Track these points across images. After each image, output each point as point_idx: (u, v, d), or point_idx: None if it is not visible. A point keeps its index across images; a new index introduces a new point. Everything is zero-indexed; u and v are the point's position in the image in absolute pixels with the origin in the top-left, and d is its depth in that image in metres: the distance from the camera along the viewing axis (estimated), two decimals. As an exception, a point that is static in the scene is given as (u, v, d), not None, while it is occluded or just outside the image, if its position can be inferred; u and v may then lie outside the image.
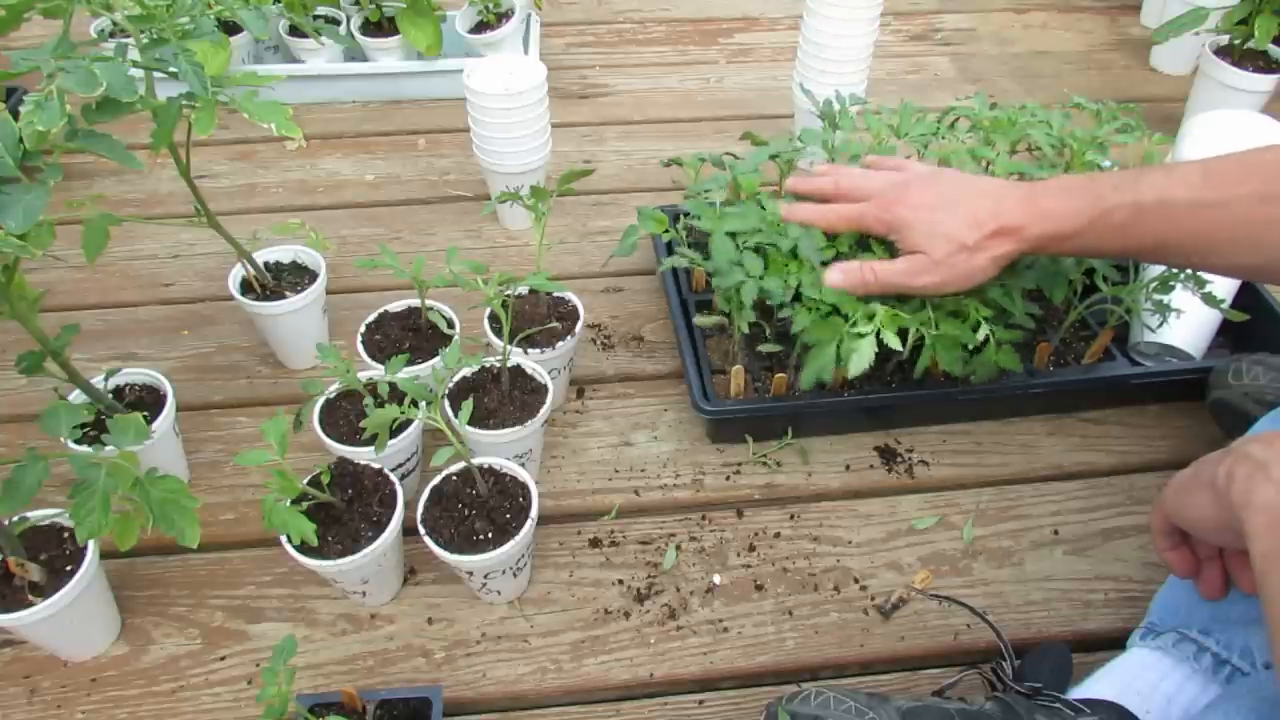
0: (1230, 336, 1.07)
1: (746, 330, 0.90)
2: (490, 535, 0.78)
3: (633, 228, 0.95)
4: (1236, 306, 0.99)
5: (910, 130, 1.02)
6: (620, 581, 0.88)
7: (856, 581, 0.88)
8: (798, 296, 0.87)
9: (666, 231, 0.95)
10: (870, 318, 0.84)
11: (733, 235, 0.89)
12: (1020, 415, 1.03)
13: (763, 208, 0.92)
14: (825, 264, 0.87)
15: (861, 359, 0.82)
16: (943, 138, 1.03)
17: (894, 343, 0.83)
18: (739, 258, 0.88)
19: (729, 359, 1.00)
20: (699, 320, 0.97)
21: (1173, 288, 0.92)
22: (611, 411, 1.04)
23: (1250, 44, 1.40)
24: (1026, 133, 1.02)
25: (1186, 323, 1.00)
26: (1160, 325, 0.98)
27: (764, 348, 0.93)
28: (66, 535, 0.77)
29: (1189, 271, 0.90)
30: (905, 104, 1.05)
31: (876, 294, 0.85)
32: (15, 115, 0.66)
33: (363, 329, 0.97)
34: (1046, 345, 0.99)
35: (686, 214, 0.95)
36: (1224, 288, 1.02)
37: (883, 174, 0.88)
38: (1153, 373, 1.00)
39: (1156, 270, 0.94)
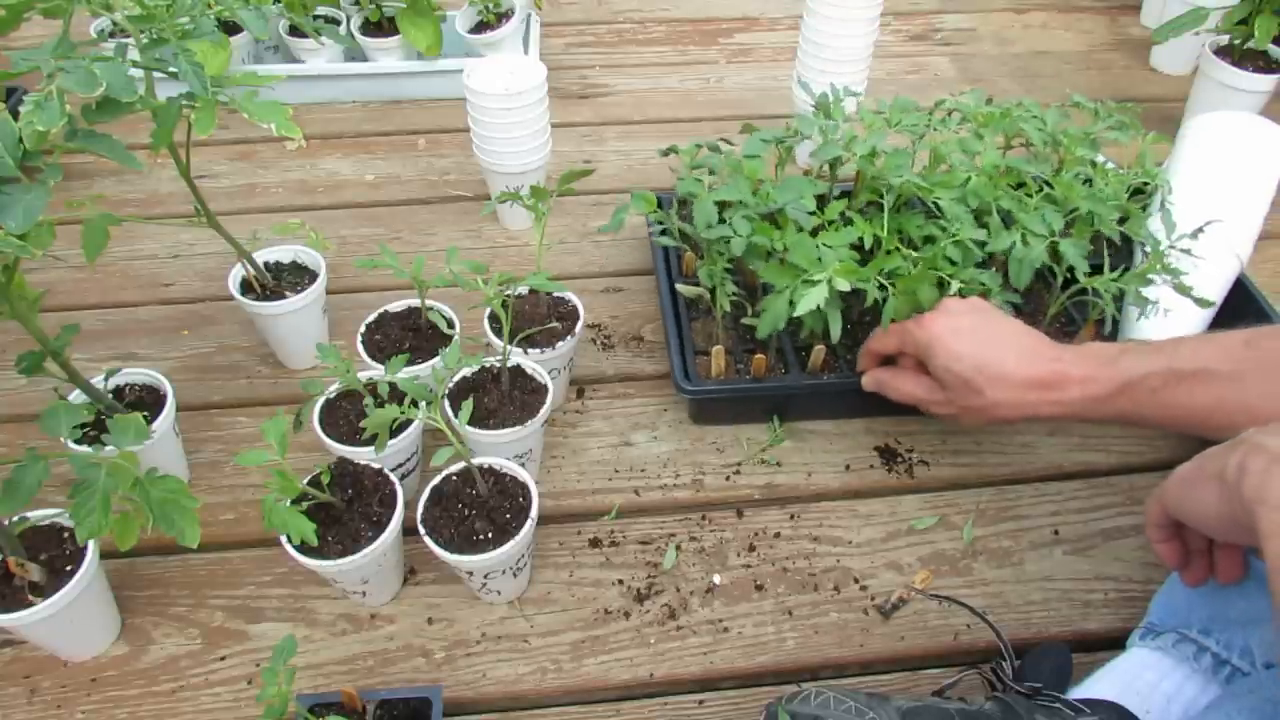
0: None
1: (728, 307, 0.91)
2: (490, 535, 0.78)
3: (623, 206, 0.96)
4: (1226, 305, 1.00)
5: (902, 122, 1.02)
6: (620, 581, 0.88)
7: (856, 581, 0.88)
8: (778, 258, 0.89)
9: (655, 213, 0.95)
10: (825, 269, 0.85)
11: (720, 205, 0.91)
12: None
13: (754, 193, 0.93)
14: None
15: (810, 300, 0.82)
16: (934, 129, 1.03)
17: (843, 286, 0.83)
18: (717, 220, 0.90)
19: (712, 341, 1.00)
20: (680, 287, 0.98)
21: (1151, 281, 0.92)
22: (611, 411, 1.04)
23: (1250, 44, 1.40)
24: (1019, 127, 1.02)
25: (1172, 321, 1.00)
26: (1139, 319, 0.99)
27: (747, 321, 0.95)
28: (66, 535, 0.77)
29: (1168, 263, 0.91)
30: (898, 98, 1.05)
31: (894, 399, 0.87)
32: (15, 115, 0.66)
33: (363, 329, 0.97)
34: None
35: (681, 201, 0.97)
36: (1216, 287, 1.02)
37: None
38: None
39: (1140, 265, 0.94)
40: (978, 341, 0.77)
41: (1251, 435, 0.54)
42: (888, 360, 0.92)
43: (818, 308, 0.85)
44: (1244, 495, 0.52)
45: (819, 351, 0.96)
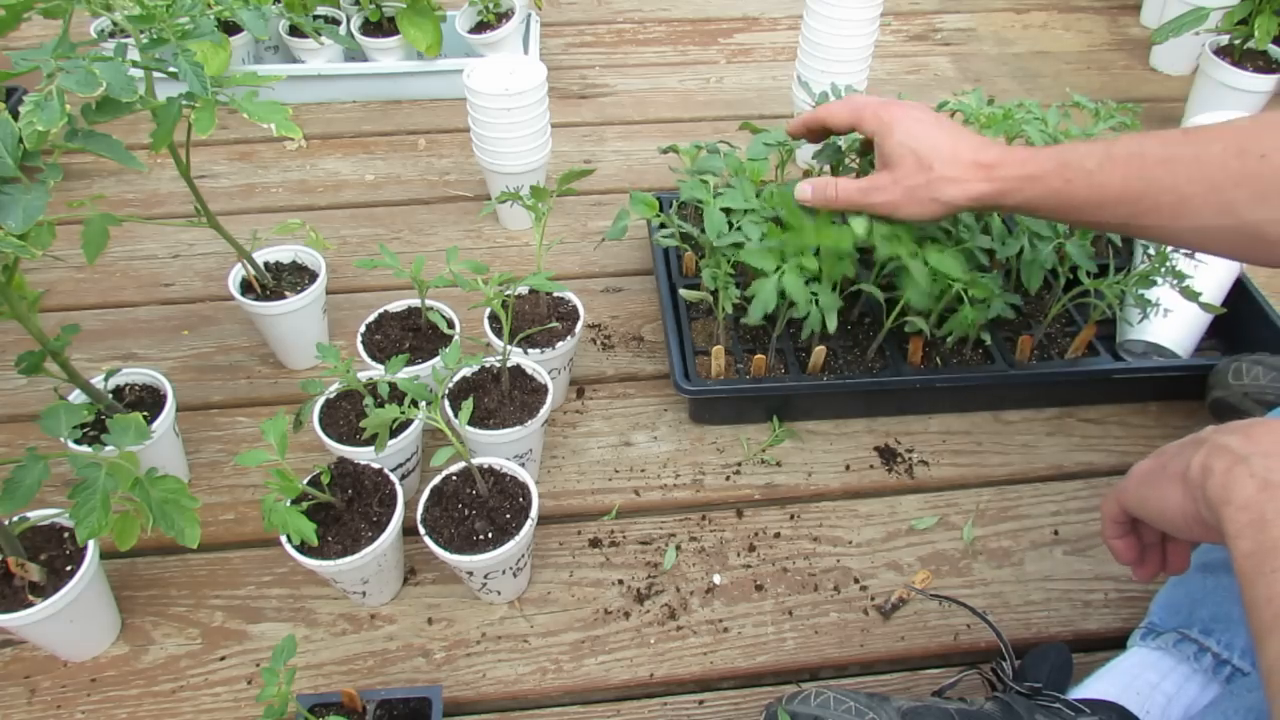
0: (1222, 337, 1.07)
1: (730, 310, 0.91)
2: (490, 535, 0.78)
3: (623, 211, 0.96)
4: (1226, 305, 1.00)
5: None
6: (620, 581, 0.88)
7: (856, 581, 0.88)
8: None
9: (657, 215, 0.96)
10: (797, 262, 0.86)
11: (726, 211, 0.91)
12: (1000, 407, 1.04)
13: (757, 195, 0.93)
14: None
15: (764, 299, 0.85)
16: None
17: (794, 290, 0.84)
18: (733, 230, 0.90)
19: (712, 341, 1.00)
20: (685, 294, 0.98)
21: (1154, 282, 0.92)
22: (611, 411, 1.04)
23: (1250, 44, 1.40)
24: (1021, 129, 1.02)
25: (1172, 321, 1.00)
26: (1141, 320, 0.98)
27: (747, 320, 0.95)
28: (66, 535, 0.77)
29: (1170, 265, 0.91)
30: (901, 96, 1.05)
31: (840, 209, 0.86)
32: (15, 115, 0.66)
33: (363, 329, 0.97)
34: (1029, 338, 0.99)
35: (681, 203, 0.97)
36: (1213, 288, 1.02)
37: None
38: (1134, 368, 1.00)
39: (1141, 266, 0.94)
40: (934, 127, 0.79)
41: (1212, 435, 0.54)
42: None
43: (815, 302, 0.85)
44: (1209, 496, 0.52)
45: (819, 352, 0.96)
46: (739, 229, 0.89)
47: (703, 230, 0.92)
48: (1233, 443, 0.52)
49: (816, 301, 0.88)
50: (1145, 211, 0.70)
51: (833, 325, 0.87)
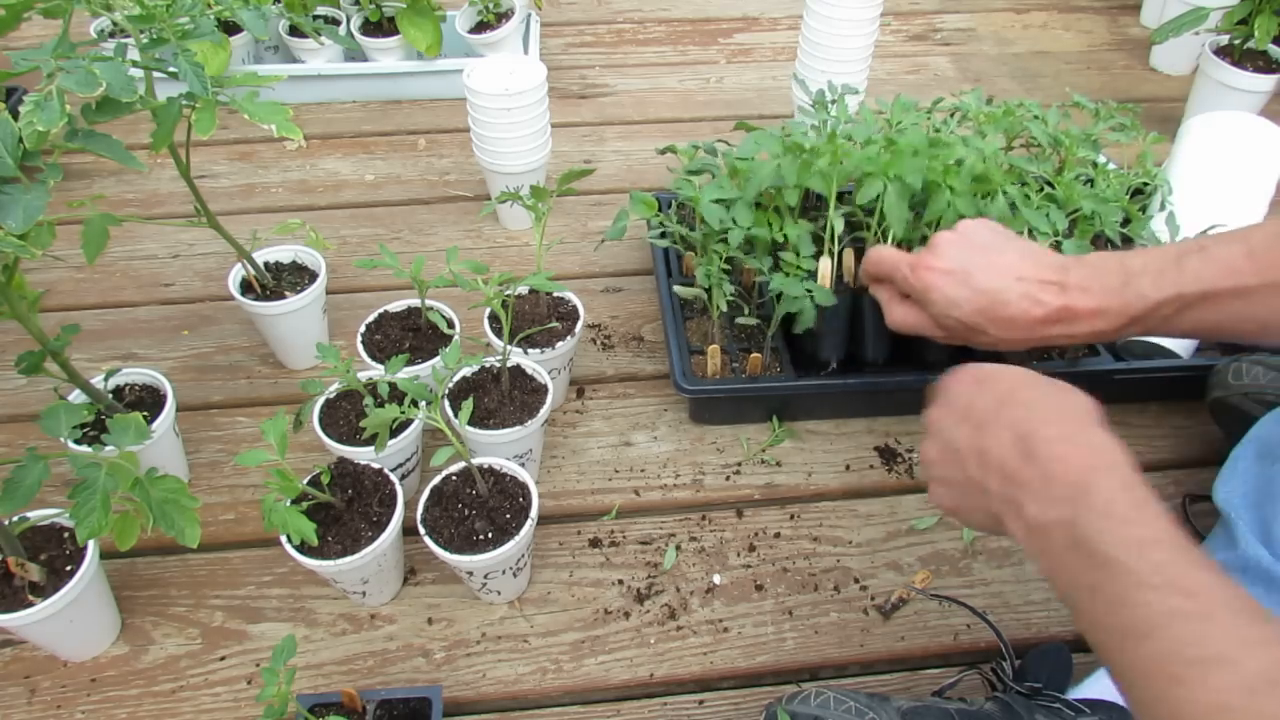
0: (1224, 337, 1.07)
1: (724, 307, 0.91)
2: (490, 535, 0.78)
3: (623, 211, 0.96)
4: None
5: (903, 122, 1.02)
6: (620, 581, 0.88)
7: (856, 581, 0.88)
8: (777, 265, 0.91)
9: (656, 215, 0.96)
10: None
11: (719, 202, 0.92)
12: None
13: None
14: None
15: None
16: (935, 130, 1.03)
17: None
18: (727, 217, 0.91)
19: (708, 340, 1.00)
20: (678, 290, 0.98)
21: None
22: (611, 411, 1.04)
23: (1250, 44, 1.40)
24: (1025, 126, 1.02)
25: None
26: None
27: (741, 320, 0.95)
28: (66, 535, 0.77)
29: None
30: (899, 97, 1.05)
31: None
32: (15, 115, 0.66)
33: (363, 329, 0.97)
34: None
35: (680, 203, 0.97)
36: None
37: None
38: (1134, 368, 0.99)
39: None
40: (975, 286, 0.74)
41: (1011, 493, 0.57)
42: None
43: (813, 298, 0.85)
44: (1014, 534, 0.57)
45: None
46: (729, 212, 0.90)
47: (695, 229, 0.92)
48: (995, 488, 0.58)
49: (811, 297, 0.88)
50: (1228, 336, 0.72)
51: (901, 223, 0.87)
